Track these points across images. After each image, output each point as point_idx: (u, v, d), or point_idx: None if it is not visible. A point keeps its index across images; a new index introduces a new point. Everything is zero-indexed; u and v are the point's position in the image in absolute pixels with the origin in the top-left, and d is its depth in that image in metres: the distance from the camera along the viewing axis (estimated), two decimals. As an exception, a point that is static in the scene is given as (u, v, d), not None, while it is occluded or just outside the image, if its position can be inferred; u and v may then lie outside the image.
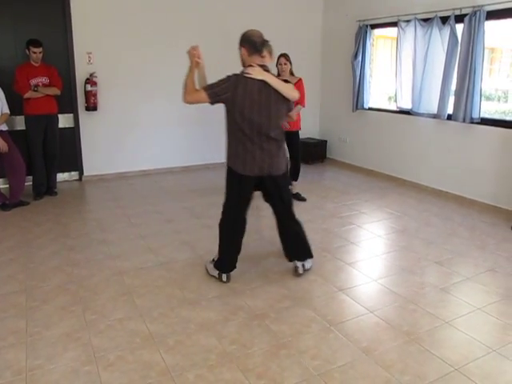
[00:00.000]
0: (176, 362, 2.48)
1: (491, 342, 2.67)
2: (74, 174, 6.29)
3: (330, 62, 7.49)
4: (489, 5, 4.83)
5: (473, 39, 4.95)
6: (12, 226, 4.48)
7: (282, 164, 3.27)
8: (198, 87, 3.10)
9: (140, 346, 2.62)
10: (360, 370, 2.43)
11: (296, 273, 3.45)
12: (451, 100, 5.41)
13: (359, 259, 3.85)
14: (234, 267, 3.40)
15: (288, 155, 5.36)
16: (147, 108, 6.33)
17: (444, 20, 5.33)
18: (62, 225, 4.56)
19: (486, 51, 5.11)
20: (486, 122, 5.13)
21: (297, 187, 5.50)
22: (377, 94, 7.04)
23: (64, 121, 5.90)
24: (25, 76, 5.07)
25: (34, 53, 5.07)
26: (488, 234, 4.42)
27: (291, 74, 5.14)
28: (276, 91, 3.02)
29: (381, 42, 7.09)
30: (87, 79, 5.90)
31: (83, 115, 6.06)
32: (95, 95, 5.93)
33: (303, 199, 5.41)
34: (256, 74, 2.99)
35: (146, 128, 6.48)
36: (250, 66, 3.04)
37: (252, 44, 3.06)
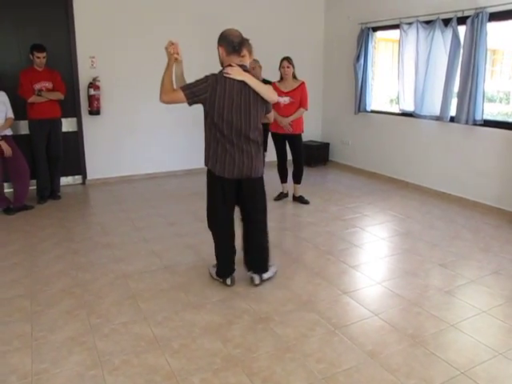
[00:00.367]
0: (181, 365, 2.48)
1: (497, 345, 2.66)
2: (78, 178, 6.31)
3: (332, 64, 7.50)
4: (491, 6, 4.83)
5: (475, 41, 4.95)
6: (16, 230, 4.49)
7: (261, 167, 3.21)
8: (175, 86, 3.02)
9: (145, 349, 2.62)
10: (365, 373, 2.42)
11: (253, 283, 3.33)
12: (454, 102, 5.41)
13: (363, 262, 3.84)
14: (233, 270, 3.38)
15: (291, 158, 5.42)
16: (150, 112, 6.35)
17: (446, 22, 5.33)
18: (66, 229, 4.57)
19: (488, 53, 5.10)
20: (488, 123, 5.13)
21: (300, 190, 5.50)
22: (379, 97, 7.04)
23: (67, 125, 5.92)
24: (29, 81, 5.10)
25: (38, 58, 5.09)
26: (492, 236, 4.41)
27: (294, 77, 5.16)
28: (255, 92, 2.98)
29: (382, 44, 7.10)
30: (90, 83, 5.92)
31: (86, 119, 6.08)
32: (98, 99, 5.95)
33: (306, 202, 5.41)
34: (235, 74, 2.93)
35: (149, 132, 6.50)
36: (230, 65, 2.98)
37: (229, 43, 2.99)
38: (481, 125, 5.16)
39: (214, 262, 3.52)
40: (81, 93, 5.98)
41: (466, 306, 3.10)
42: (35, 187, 5.45)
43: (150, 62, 6.18)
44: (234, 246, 3.38)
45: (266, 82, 5.32)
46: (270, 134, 5.51)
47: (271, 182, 5.97)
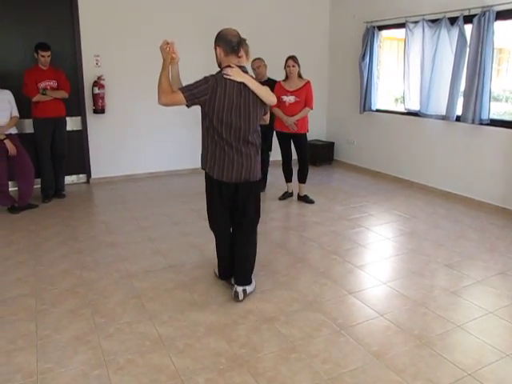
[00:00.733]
0: (186, 365, 2.47)
1: (504, 347, 2.63)
2: (82, 177, 6.31)
3: (338, 63, 7.47)
4: (498, 5, 4.79)
5: (482, 40, 4.91)
6: (21, 229, 4.49)
7: (259, 170, 3.12)
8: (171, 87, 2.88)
9: (150, 349, 2.61)
10: (371, 374, 2.41)
11: (235, 298, 3.11)
12: (460, 101, 5.37)
13: (368, 262, 3.82)
14: (232, 274, 3.27)
15: (296, 157, 5.40)
16: (155, 111, 6.32)
17: (452, 21, 5.30)
18: (71, 227, 4.57)
19: (494, 52, 5.07)
20: (495, 123, 5.09)
21: (305, 189, 5.49)
22: (384, 96, 7.01)
23: (72, 123, 5.92)
24: (33, 79, 5.10)
25: (43, 56, 5.09)
26: (498, 236, 4.38)
27: (299, 76, 5.14)
28: (254, 94, 2.91)
29: (388, 43, 7.07)
30: (95, 82, 5.92)
31: (91, 118, 6.08)
32: (103, 98, 5.95)
33: (311, 201, 5.39)
34: (235, 75, 2.85)
35: (154, 130, 6.50)
36: (229, 66, 2.89)
37: (228, 43, 2.89)
38: (487, 124, 5.13)
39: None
40: (85, 91, 5.98)
41: (473, 307, 3.08)
42: (40, 186, 5.46)
43: (154, 60, 6.14)
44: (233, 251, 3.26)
45: (271, 80, 5.32)
46: (274, 133, 5.49)
47: (276, 181, 5.97)
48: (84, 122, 6.09)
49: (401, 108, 6.46)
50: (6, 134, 4.82)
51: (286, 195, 5.60)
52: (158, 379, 2.36)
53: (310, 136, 5.82)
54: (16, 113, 5.00)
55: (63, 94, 5.30)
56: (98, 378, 2.37)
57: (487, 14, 4.84)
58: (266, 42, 6.73)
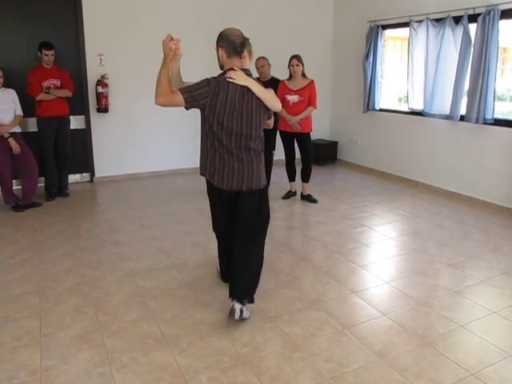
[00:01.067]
0: (189, 363, 2.47)
1: (507, 347, 2.63)
2: (86, 176, 6.33)
3: (341, 62, 7.46)
4: (503, 4, 4.77)
5: (486, 39, 4.90)
6: (25, 228, 4.51)
7: (263, 178, 2.91)
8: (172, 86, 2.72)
9: (153, 347, 2.62)
10: (374, 373, 2.41)
11: (230, 316, 2.80)
12: (464, 101, 5.36)
13: (371, 261, 3.82)
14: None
15: (300, 156, 5.40)
16: (158, 110, 6.29)
17: (457, 20, 5.28)
18: (74, 226, 4.59)
19: (499, 51, 5.04)
20: (499, 122, 5.08)
21: (308, 189, 5.49)
22: (388, 95, 7.00)
23: (75, 122, 5.93)
24: (37, 78, 5.11)
25: (46, 55, 5.11)
26: (501, 236, 4.37)
27: (303, 75, 5.14)
28: (258, 98, 2.74)
29: (391, 42, 7.05)
30: (98, 81, 5.93)
31: (94, 117, 6.09)
32: (106, 97, 5.96)
33: (314, 201, 5.39)
34: (239, 78, 2.68)
35: (157, 129, 6.50)
36: (232, 69, 2.74)
37: (230, 44, 2.73)
38: (491, 124, 5.11)
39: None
40: (89, 90, 6.00)
41: (476, 307, 3.07)
42: (43, 184, 5.48)
43: (158, 60, 6.15)
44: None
45: (275, 80, 5.32)
46: (278, 133, 5.49)
47: (279, 180, 5.97)
48: (88, 121, 6.11)
49: (404, 107, 6.45)
50: (10, 133, 4.84)
51: (290, 194, 5.60)
52: (161, 377, 2.37)
53: (314, 135, 5.81)
54: (20, 112, 5.01)
55: (67, 93, 5.32)
56: (102, 376, 2.38)
57: (492, 12, 4.82)
58: (269, 41, 6.73)
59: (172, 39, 2.77)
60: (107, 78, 5.96)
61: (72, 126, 5.69)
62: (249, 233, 2.92)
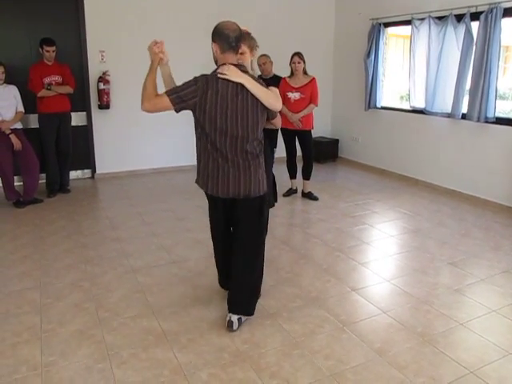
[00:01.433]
0: (189, 360, 2.48)
1: (507, 345, 2.63)
2: (87, 172, 6.34)
3: (343, 60, 7.45)
4: (506, 1, 4.76)
5: (489, 37, 4.88)
6: (26, 224, 4.51)
7: (263, 184, 2.72)
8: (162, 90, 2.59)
9: (153, 343, 2.62)
10: (373, 371, 2.41)
11: (228, 327, 2.74)
12: (465, 99, 5.35)
13: (372, 259, 3.82)
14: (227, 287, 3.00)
15: (301, 154, 5.40)
16: (159, 106, 6.34)
17: (459, 18, 5.27)
18: (75, 222, 4.59)
19: (501, 49, 5.03)
20: (500, 121, 5.07)
21: (309, 186, 5.49)
22: (389, 93, 6.98)
23: (77, 119, 5.94)
24: (38, 75, 5.11)
25: (48, 51, 5.11)
26: (502, 235, 4.37)
27: (305, 72, 5.13)
28: (254, 96, 2.52)
29: (393, 40, 7.04)
30: (100, 77, 5.93)
31: (96, 113, 6.10)
32: (108, 93, 5.96)
33: (315, 198, 5.39)
34: (232, 74, 2.47)
35: (158, 126, 6.50)
36: (224, 64, 2.54)
37: (224, 39, 2.50)
38: (493, 122, 5.10)
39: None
40: (90, 87, 6.00)
41: (476, 305, 3.07)
42: (45, 181, 5.48)
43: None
44: (228, 264, 2.94)
45: (276, 77, 5.31)
46: (279, 130, 5.48)
47: (280, 177, 5.95)
48: (89, 118, 6.11)
49: (406, 105, 6.43)
50: (11, 129, 4.84)
51: (291, 192, 5.60)
52: (161, 374, 2.37)
53: (315, 133, 5.81)
54: (21, 108, 5.02)
55: (68, 89, 5.31)
56: (102, 372, 2.38)
57: (494, 10, 4.80)
58: (271, 38, 6.70)
59: (157, 43, 2.67)
60: (109, 75, 5.96)
61: (73, 123, 5.69)
62: (249, 245, 2.78)
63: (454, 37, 5.38)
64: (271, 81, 5.34)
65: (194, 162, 7.08)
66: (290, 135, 5.34)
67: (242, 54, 2.70)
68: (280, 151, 5.73)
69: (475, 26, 5.08)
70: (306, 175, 5.44)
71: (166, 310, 2.98)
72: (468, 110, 5.26)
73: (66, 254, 3.84)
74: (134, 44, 6.11)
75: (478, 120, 5.15)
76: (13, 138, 4.81)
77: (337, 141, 7.60)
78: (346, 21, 7.28)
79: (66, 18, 5.78)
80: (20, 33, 5.56)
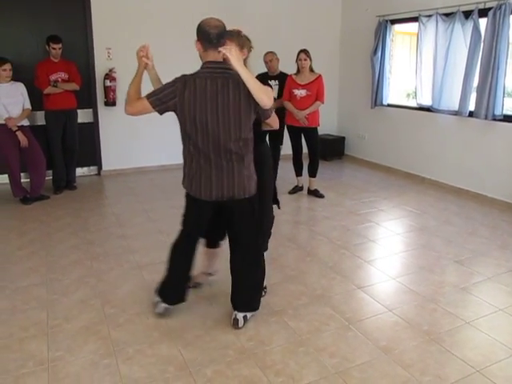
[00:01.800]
0: (194, 357, 2.49)
1: (514, 344, 2.62)
2: (93, 169, 6.36)
3: (349, 57, 7.42)
4: (514, -1, 4.72)
5: (497, 34, 4.84)
6: (33, 220, 4.54)
7: (250, 186, 2.61)
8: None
9: (158, 340, 2.63)
10: (379, 368, 2.41)
11: (234, 325, 2.75)
12: (473, 96, 5.31)
13: (378, 257, 3.81)
14: (182, 300, 2.88)
15: (307, 151, 5.38)
16: (165, 103, 6.35)
17: (467, 14, 5.23)
18: (82, 219, 4.61)
19: (509, 46, 4.99)
20: (508, 118, 5.03)
21: (315, 184, 5.48)
22: (396, 91, 6.95)
23: (83, 116, 5.95)
24: (44, 72, 5.14)
25: (54, 49, 5.12)
26: (510, 233, 4.33)
27: (311, 70, 5.12)
28: (239, 93, 2.42)
29: (400, 37, 7.00)
30: (106, 74, 5.94)
31: (102, 110, 6.11)
32: (114, 90, 5.98)
33: (321, 196, 5.38)
34: (233, 57, 2.32)
35: (165, 123, 6.43)
36: (208, 62, 2.49)
37: (205, 36, 2.43)
38: (500, 120, 5.06)
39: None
40: (97, 84, 6.01)
41: (483, 304, 3.06)
42: (51, 177, 5.50)
43: (166, 54, 6.17)
44: (188, 274, 2.88)
45: (283, 74, 5.30)
46: (285, 127, 5.48)
47: (286, 174, 5.96)
48: (95, 115, 6.13)
49: (413, 103, 6.40)
50: (18, 126, 4.86)
51: (296, 189, 5.59)
52: (167, 370, 2.38)
53: (321, 130, 5.78)
54: (28, 105, 5.04)
55: (74, 86, 5.33)
56: (108, 367, 2.40)
57: (503, 7, 4.76)
58: (277, 35, 6.70)
59: (142, 48, 2.69)
60: (115, 72, 5.97)
61: (80, 120, 5.71)
62: (247, 245, 2.74)
63: (461, 34, 5.34)
64: (278, 78, 5.34)
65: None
66: (296, 132, 5.33)
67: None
68: (286, 148, 5.73)
69: (483, 22, 5.04)
70: (312, 172, 5.43)
71: (172, 306, 2.98)
72: (475, 107, 5.22)
73: (73, 250, 3.86)
74: (140, 41, 6.00)
75: (486, 117, 5.11)
76: (19, 134, 4.83)
77: (343, 138, 7.58)
78: (352, 18, 7.24)
79: (73, 16, 5.80)
80: (27, 31, 5.58)
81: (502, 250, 3.95)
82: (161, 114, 2.57)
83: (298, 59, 5.08)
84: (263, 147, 2.95)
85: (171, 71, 2.96)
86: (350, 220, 4.65)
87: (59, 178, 5.51)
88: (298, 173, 5.58)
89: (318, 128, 5.35)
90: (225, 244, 3.00)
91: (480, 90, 5.13)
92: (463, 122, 5.53)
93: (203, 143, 2.48)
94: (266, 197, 2.94)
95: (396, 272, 3.53)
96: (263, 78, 5.41)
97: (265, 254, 3.00)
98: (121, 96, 6.09)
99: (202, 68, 2.52)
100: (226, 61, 2.44)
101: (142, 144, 6.45)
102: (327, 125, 7.40)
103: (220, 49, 2.39)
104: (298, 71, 5.14)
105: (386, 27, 6.42)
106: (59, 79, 5.22)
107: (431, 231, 4.37)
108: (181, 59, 6.31)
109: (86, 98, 5.92)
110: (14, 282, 3.30)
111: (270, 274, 3.40)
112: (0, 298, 3.08)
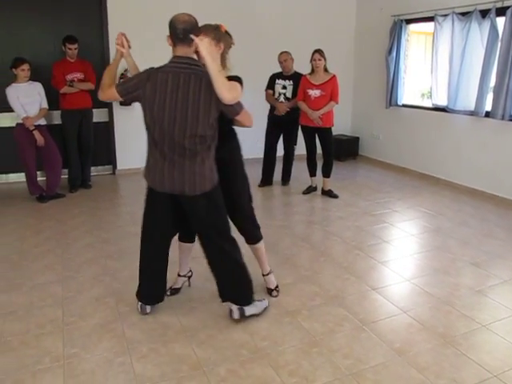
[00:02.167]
0: (208, 356, 2.49)
1: (531, 348, 2.58)
2: (108, 168, 6.41)
3: (364, 57, 7.37)
4: (533, -3, 4.65)
5: (515, 33, 4.78)
6: (49, 219, 4.59)
7: (201, 183, 2.54)
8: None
9: (172, 339, 2.65)
10: (393, 370, 2.39)
11: (231, 317, 2.78)
12: (489, 97, 5.24)
13: (392, 258, 3.78)
14: (159, 299, 2.92)
15: (321, 151, 5.37)
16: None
17: (484, 13, 5.16)
18: (97, 217, 4.66)
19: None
20: (526, 119, 4.96)
21: (329, 184, 5.46)
22: (411, 91, 6.89)
23: (98, 115, 6.00)
24: (61, 72, 5.20)
25: (70, 49, 5.18)
26: (527, 235, 4.28)
27: (325, 70, 5.10)
28: (199, 89, 2.40)
29: (415, 37, 6.93)
30: (122, 75, 5.97)
31: (117, 110, 6.15)
32: (129, 90, 6.01)
33: (335, 196, 5.36)
34: (203, 46, 2.37)
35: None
36: (176, 57, 2.53)
37: (173, 30, 2.46)
38: (517, 120, 5.00)
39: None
40: (112, 84, 6.05)
41: (499, 307, 3.02)
42: (67, 176, 5.56)
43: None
44: (163, 273, 2.92)
45: (297, 74, 5.30)
46: (299, 127, 5.47)
47: (300, 175, 5.95)
48: (110, 114, 6.18)
49: (428, 103, 6.35)
50: (35, 125, 4.92)
51: (310, 189, 5.58)
52: (180, 369, 2.39)
53: (335, 130, 5.76)
54: (45, 104, 5.10)
55: (90, 86, 5.38)
56: (122, 365, 2.42)
57: (521, 6, 4.70)
58: (292, 35, 6.70)
59: (118, 36, 2.77)
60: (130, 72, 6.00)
61: (95, 119, 5.76)
62: (217, 241, 2.77)
63: (478, 33, 5.27)
64: (292, 78, 5.34)
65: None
66: (310, 132, 5.32)
67: (197, 51, 2.50)
68: (300, 148, 5.72)
69: (501, 21, 4.97)
70: (326, 173, 5.41)
71: (185, 305, 3.00)
72: (492, 107, 5.15)
73: (88, 248, 3.90)
74: (156, 42, 6.12)
75: (503, 118, 5.05)
76: (36, 134, 4.89)
77: (357, 138, 7.54)
78: (367, 17, 7.20)
79: (89, 17, 5.87)
80: (45, 31, 5.67)
81: (519, 252, 3.89)
82: (128, 103, 2.63)
83: (312, 59, 5.07)
84: (234, 142, 2.91)
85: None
86: (364, 221, 4.62)
87: (75, 177, 5.56)
88: (312, 173, 5.56)
89: (332, 128, 5.33)
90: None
91: (497, 90, 5.07)
92: (479, 123, 5.47)
93: (159, 136, 2.50)
94: (239, 191, 2.91)
95: (410, 273, 3.50)
96: (278, 78, 5.42)
97: (261, 242, 3.05)
98: (135, 96, 6.14)
99: (168, 62, 2.56)
100: (198, 54, 2.48)
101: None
102: (341, 125, 7.37)
103: (192, 36, 2.40)
104: (313, 71, 5.12)
105: (401, 27, 6.37)
106: (75, 79, 5.28)
107: (446, 232, 4.32)
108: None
109: (102, 97, 5.97)
110: (31, 279, 3.34)
111: (283, 273, 3.42)
112: (18, 294, 3.13)
